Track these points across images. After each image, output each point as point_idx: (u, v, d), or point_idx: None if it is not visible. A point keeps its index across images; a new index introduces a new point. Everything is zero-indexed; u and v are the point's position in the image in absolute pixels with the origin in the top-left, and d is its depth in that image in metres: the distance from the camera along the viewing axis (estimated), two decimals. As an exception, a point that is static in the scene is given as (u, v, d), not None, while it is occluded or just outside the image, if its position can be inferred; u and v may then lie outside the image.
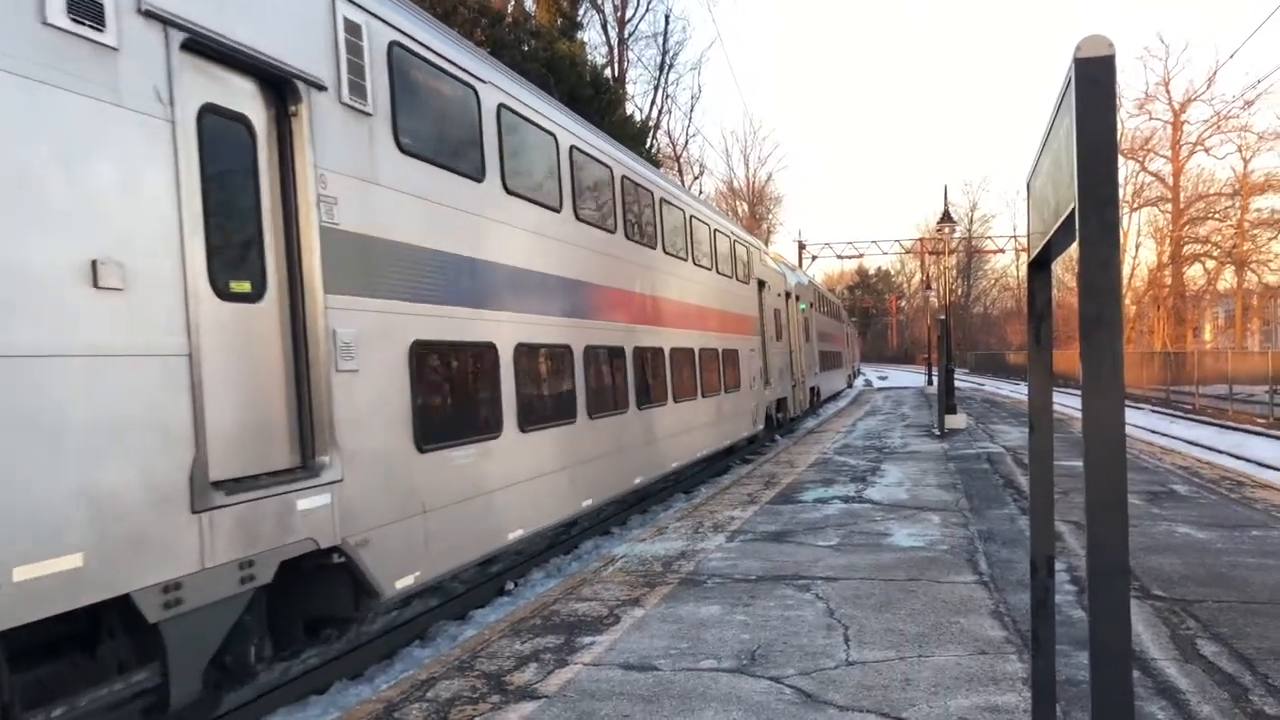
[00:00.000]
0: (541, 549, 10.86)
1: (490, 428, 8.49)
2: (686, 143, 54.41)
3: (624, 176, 12.71)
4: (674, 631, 6.38)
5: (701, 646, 6.04)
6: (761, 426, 21.05)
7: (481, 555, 8.25)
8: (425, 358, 7.44)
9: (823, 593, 7.26)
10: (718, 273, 17.78)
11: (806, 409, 29.43)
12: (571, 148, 10.83)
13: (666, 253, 14.39)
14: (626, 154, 13.26)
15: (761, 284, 21.82)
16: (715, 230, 18.08)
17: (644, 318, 13.13)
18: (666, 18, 55.05)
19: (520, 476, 8.96)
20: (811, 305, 32.12)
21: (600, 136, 12.39)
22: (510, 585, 9.62)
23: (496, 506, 8.45)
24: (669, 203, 14.75)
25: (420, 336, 7.33)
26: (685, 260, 15.49)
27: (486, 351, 8.52)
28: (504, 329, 8.78)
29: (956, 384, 26.89)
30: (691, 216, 16.13)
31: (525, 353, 9.30)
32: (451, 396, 8.03)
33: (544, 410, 9.78)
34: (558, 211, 10.41)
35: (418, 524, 7.16)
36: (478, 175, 8.51)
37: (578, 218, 10.95)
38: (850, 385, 53.24)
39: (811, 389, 30.70)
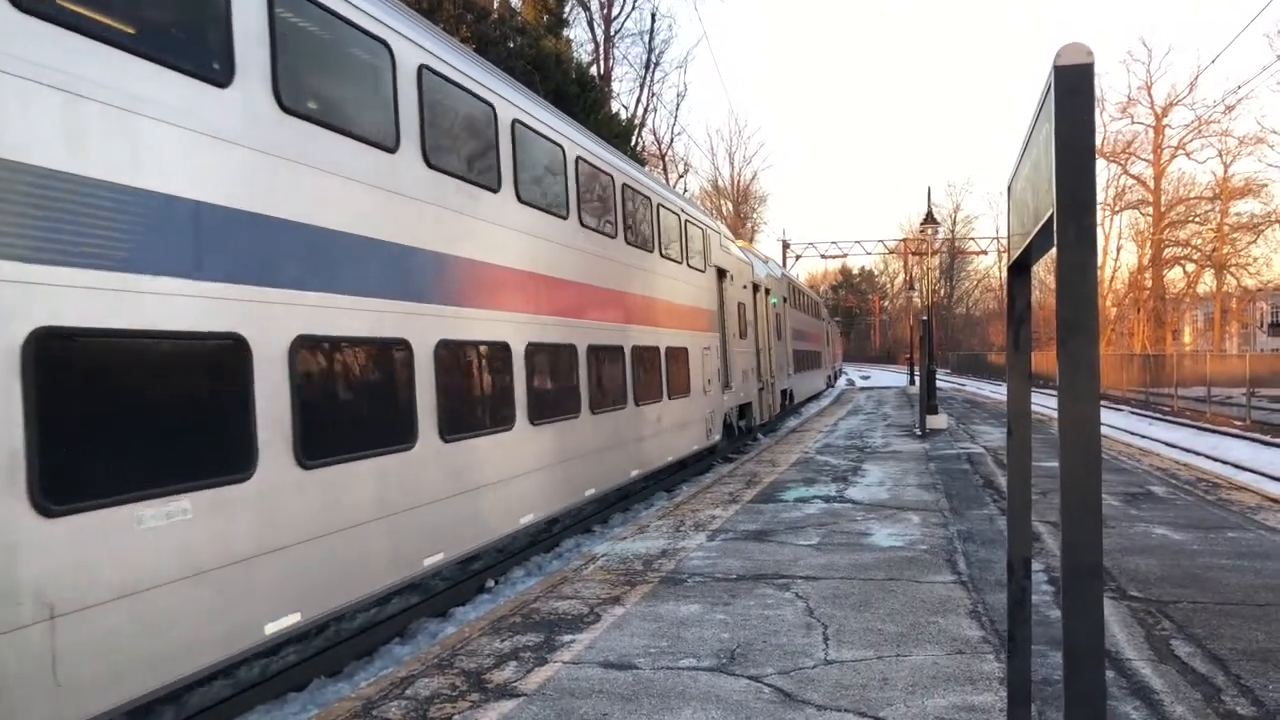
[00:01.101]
0: (523, 546, 10.85)
1: (231, 467, 5.68)
2: (672, 141, 54.47)
3: (515, 120, 9.64)
4: (654, 630, 6.40)
5: (681, 645, 6.05)
6: (719, 437, 18.55)
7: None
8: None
9: (802, 592, 7.29)
10: (661, 256, 14.97)
11: (777, 414, 26.80)
12: (422, 67, 8.01)
13: (586, 227, 11.65)
14: (517, 89, 10.21)
15: (722, 273, 19.39)
16: (660, 205, 15.24)
17: (550, 306, 10.34)
18: (653, 16, 55.22)
19: (306, 535, 6.18)
20: (785, 300, 29.96)
21: (461, 53, 9.26)
22: (491, 583, 9.60)
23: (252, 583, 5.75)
24: (589, 163, 11.96)
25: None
26: (613, 238, 12.81)
27: (226, 352, 5.69)
28: (254, 313, 5.78)
29: (938, 384, 27.22)
30: (624, 185, 13.37)
31: (318, 351, 6.55)
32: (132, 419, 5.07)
33: (355, 434, 6.96)
34: (392, 151, 7.55)
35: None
36: None
37: (430, 165, 8.06)
38: (830, 386, 51.10)
39: (783, 392, 28.32)
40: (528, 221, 9.89)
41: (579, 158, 11.48)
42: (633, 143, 34.67)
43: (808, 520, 10.37)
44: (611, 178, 12.86)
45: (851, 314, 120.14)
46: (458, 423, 8.20)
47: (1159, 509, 10.55)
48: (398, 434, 7.36)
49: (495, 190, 9.28)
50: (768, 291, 25.54)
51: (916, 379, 39.26)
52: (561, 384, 10.73)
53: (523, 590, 8.30)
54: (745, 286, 22.06)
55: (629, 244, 13.49)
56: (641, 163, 34.17)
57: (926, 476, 13.80)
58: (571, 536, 11.89)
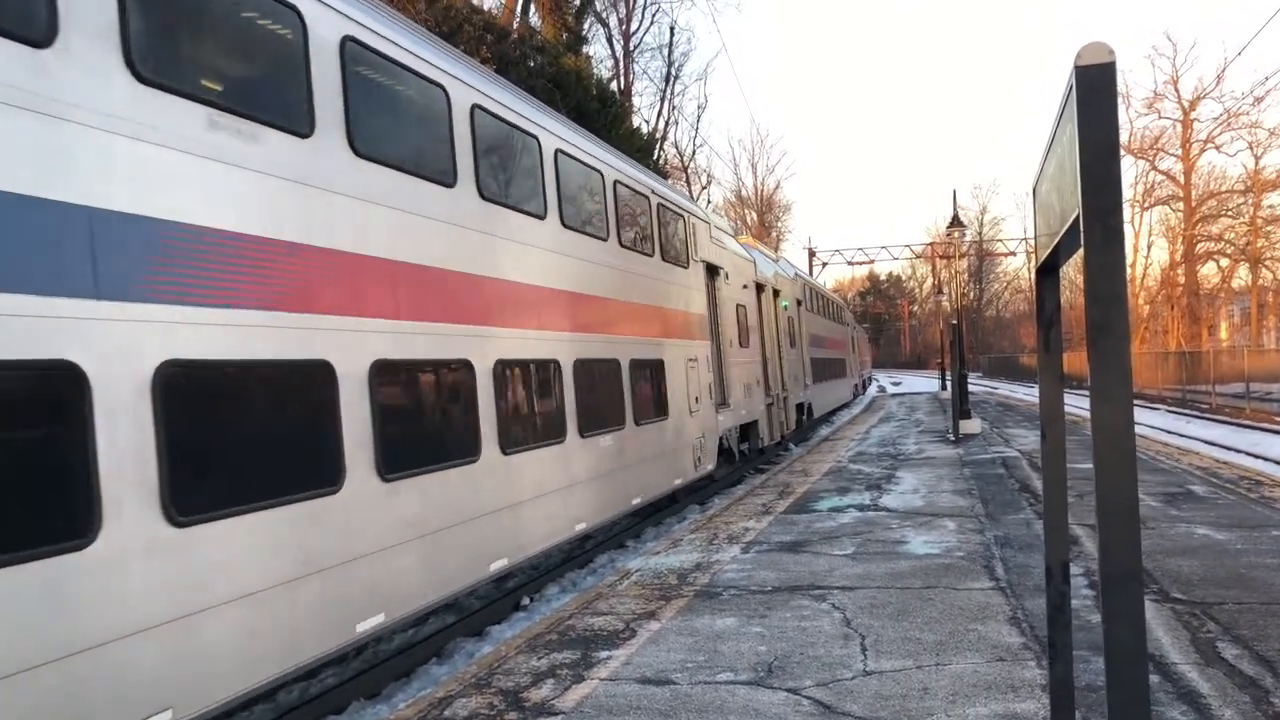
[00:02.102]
0: (557, 563, 10.85)
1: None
2: (694, 153, 54.49)
3: (415, 72, 7.70)
4: (690, 644, 6.37)
5: (718, 659, 6.02)
6: (712, 465, 15.44)
7: None
8: None
9: (839, 602, 7.23)
10: (622, 246, 11.92)
11: (791, 432, 23.38)
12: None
13: (517, 209, 9.18)
14: (426, 39, 8.31)
15: (713, 270, 16.36)
16: (618, 183, 12.08)
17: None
18: (671, 29, 55.11)
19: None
20: (800, 303, 26.93)
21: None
22: (526, 600, 9.61)
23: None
24: (523, 132, 9.45)
25: None
26: (545, 220, 9.83)
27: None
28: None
29: (970, 388, 26.80)
30: (558, 153, 10.19)
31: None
32: None
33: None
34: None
35: None
36: None
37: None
38: (857, 397, 47.00)
39: (799, 406, 24.87)
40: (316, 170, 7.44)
41: (514, 125, 9.32)
42: (655, 156, 34.77)
43: (842, 530, 10.30)
44: (536, 140, 9.76)
45: (880, 320, 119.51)
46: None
47: (1200, 508, 10.38)
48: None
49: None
50: (776, 293, 22.75)
51: (948, 384, 38.74)
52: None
53: (558, 607, 8.29)
54: (746, 286, 19.09)
55: (582, 234, 10.68)
56: (665, 176, 34.22)
57: (961, 482, 13.67)
58: (605, 552, 11.88)
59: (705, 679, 5.66)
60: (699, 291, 15.42)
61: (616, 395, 11.39)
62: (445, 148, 7.97)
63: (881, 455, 18.35)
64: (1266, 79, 67.18)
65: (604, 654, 6.30)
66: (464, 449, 7.84)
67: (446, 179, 7.96)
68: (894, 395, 51.46)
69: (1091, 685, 5.07)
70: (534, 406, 9.42)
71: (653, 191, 13.70)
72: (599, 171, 11.49)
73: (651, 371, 12.69)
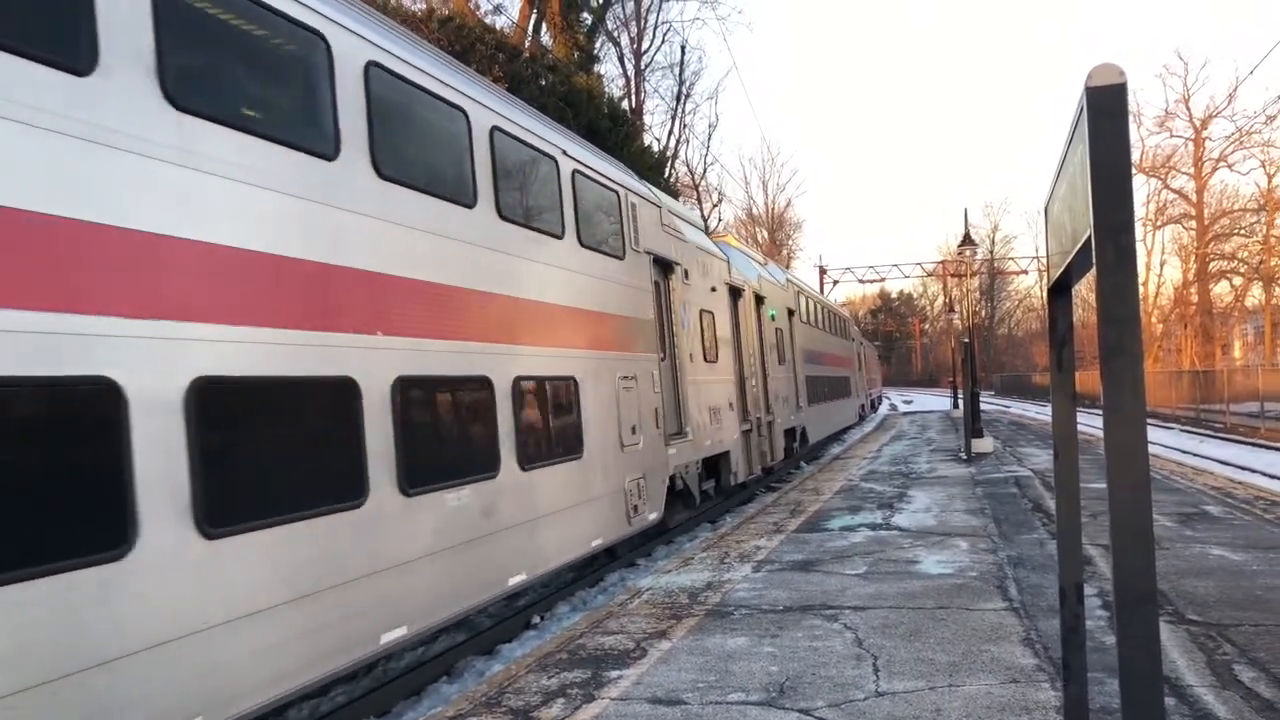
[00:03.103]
0: (568, 581, 10.83)
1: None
2: (705, 171, 54.65)
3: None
4: (701, 664, 6.34)
5: (729, 679, 5.99)
6: (656, 515, 11.93)
7: None
8: None
9: (851, 622, 7.19)
10: (502, 217, 8.58)
11: (779, 462, 19.89)
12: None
13: (386, 178, 6.94)
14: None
15: (666, 266, 13.13)
16: (532, 146, 9.38)
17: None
18: (683, 48, 55.47)
19: None
20: (793, 313, 23.58)
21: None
22: (536, 619, 9.59)
23: None
24: (401, 80, 7.29)
25: None
26: (431, 196, 7.54)
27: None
28: None
29: (982, 407, 26.49)
30: (435, 97, 7.77)
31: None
32: None
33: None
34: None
35: None
36: None
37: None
38: (864, 419, 43.14)
39: (790, 431, 21.53)
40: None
41: (377, 68, 6.98)
42: (666, 175, 34.88)
43: (854, 549, 10.26)
44: (416, 89, 7.58)
45: (892, 338, 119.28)
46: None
47: (1215, 529, 10.30)
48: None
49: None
50: (761, 300, 19.41)
51: (960, 402, 38.25)
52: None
53: (568, 626, 8.27)
54: (716, 290, 15.68)
55: (474, 210, 8.11)
56: (675, 194, 34.31)
57: (974, 501, 13.60)
58: (615, 571, 11.85)
59: (716, 699, 5.63)
60: (641, 291, 11.91)
61: (484, 428, 7.96)
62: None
63: (893, 474, 18.28)
64: (1279, 97, 67.08)
65: (615, 673, 6.28)
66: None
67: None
68: (906, 414, 51.33)
69: (1106, 708, 5.02)
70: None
71: (564, 153, 10.01)
72: (510, 136, 8.81)
73: (553, 393, 9.23)
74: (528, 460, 8.51)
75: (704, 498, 14.55)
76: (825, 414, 28.09)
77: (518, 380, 8.42)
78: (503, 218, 8.56)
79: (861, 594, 8.11)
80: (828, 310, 33.25)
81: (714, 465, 15.10)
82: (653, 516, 11.91)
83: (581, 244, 10.25)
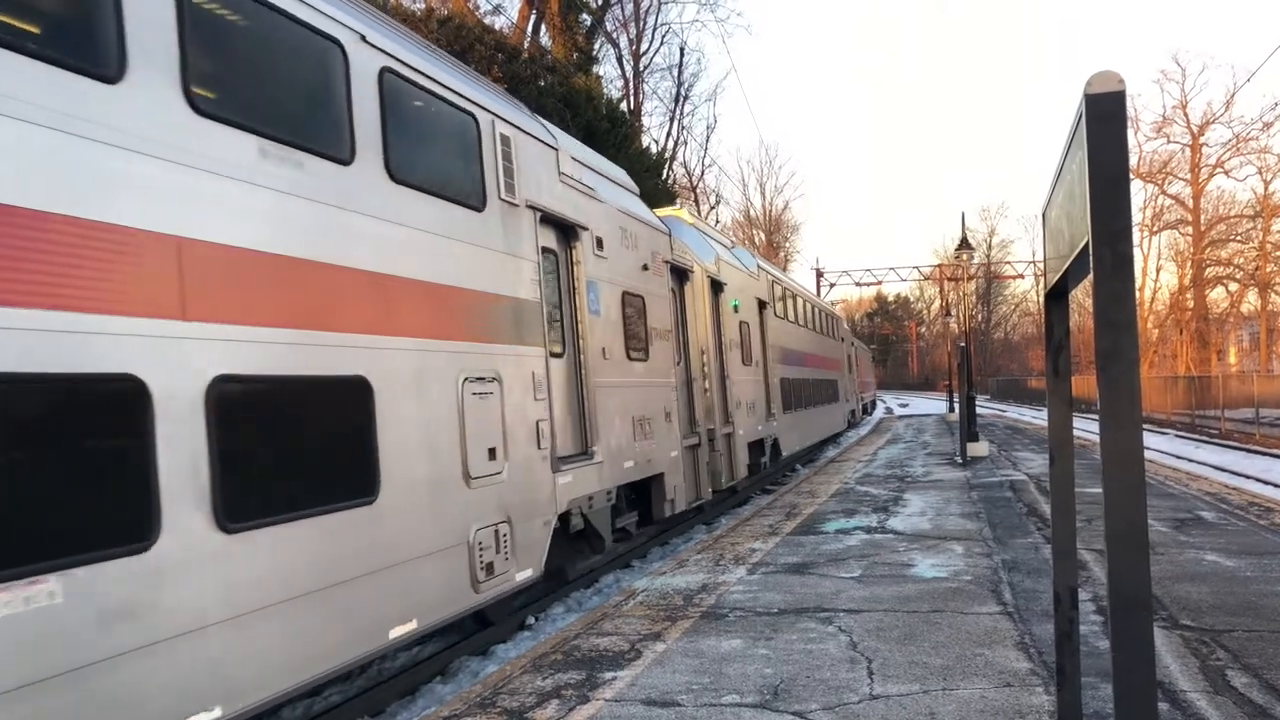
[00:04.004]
0: (564, 582, 10.82)
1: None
2: (703, 173, 54.72)
3: None
4: (696, 666, 6.35)
5: (724, 681, 5.99)
6: (531, 572, 8.55)
7: None
8: None
9: (845, 625, 7.20)
10: (270, 140, 5.82)
11: (742, 480, 16.87)
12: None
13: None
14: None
15: (569, 231, 9.96)
16: (289, 16, 6.16)
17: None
18: (681, 50, 55.37)
19: None
20: (764, 305, 20.21)
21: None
22: (531, 620, 9.58)
23: None
24: None
25: None
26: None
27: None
28: None
29: (978, 411, 26.35)
30: None
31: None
32: None
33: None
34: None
35: None
36: None
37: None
38: (852, 426, 39.48)
39: (757, 444, 18.38)
40: None
41: None
42: (664, 176, 34.89)
43: (849, 552, 10.27)
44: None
45: (888, 341, 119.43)
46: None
47: (1209, 534, 10.32)
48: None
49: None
50: (719, 287, 16.12)
51: (956, 406, 37.99)
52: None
53: (563, 627, 8.27)
54: (648, 268, 12.32)
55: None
56: (673, 196, 34.31)
57: (969, 505, 13.62)
58: (610, 572, 11.84)
59: (711, 701, 5.63)
60: (515, 259, 8.59)
61: (122, 463, 4.73)
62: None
63: (889, 477, 18.30)
64: (1276, 104, 67.25)
65: (609, 675, 6.28)
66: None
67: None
68: (901, 417, 51.37)
69: (1100, 713, 5.03)
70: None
71: (362, 38, 6.80)
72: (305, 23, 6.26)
73: (310, 404, 6.09)
74: (240, 514, 5.27)
75: (623, 535, 11.47)
76: (804, 422, 24.53)
77: (219, 383, 5.17)
78: (198, 111, 5.27)
79: (856, 597, 8.12)
80: (811, 305, 29.12)
81: (637, 497, 11.92)
82: (523, 576, 8.28)
83: (393, 178, 6.93)
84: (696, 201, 49.79)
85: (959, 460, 21.00)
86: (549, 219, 9.40)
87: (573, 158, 10.38)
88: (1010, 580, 8.51)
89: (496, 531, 7.91)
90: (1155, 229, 61.43)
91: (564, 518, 9.34)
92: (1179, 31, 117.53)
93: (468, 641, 8.61)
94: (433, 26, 22.46)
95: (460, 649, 8.44)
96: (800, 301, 26.59)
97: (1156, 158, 59.50)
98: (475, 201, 8.07)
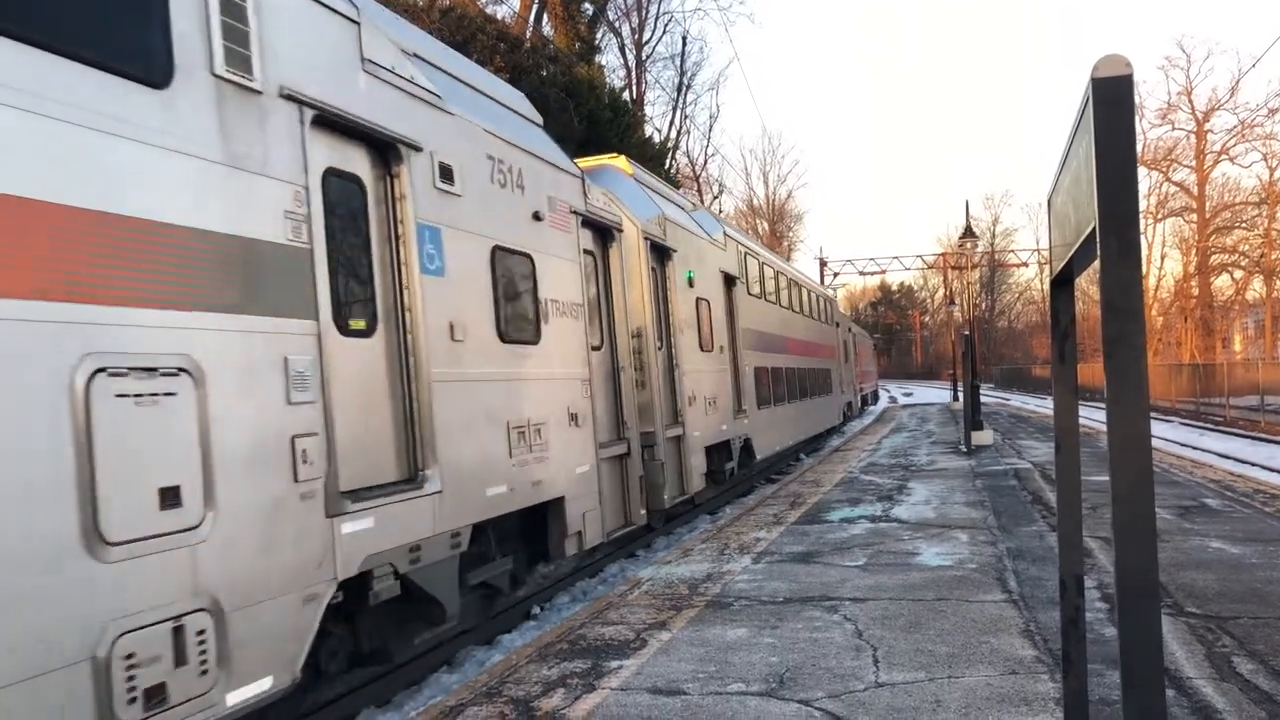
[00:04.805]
0: (567, 573, 10.84)
1: None
2: (705, 162, 54.59)
3: None
4: (701, 655, 6.36)
5: (729, 670, 6.01)
6: (246, 695, 4.99)
7: None
8: None
9: (851, 614, 7.21)
10: None
11: (699, 493, 13.78)
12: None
13: None
14: None
15: (378, 147, 6.70)
16: None
17: None
18: (684, 39, 55.43)
19: None
20: (733, 281, 17.04)
21: None
22: (536, 609, 9.61)
23: None
24: None
25: None
26: None
27: None
28: None
29: (982, 399, 26.12)
30: None
31: None
32: None
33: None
34: None
35: None
36: None
37: None
38: (849, 420, 35.43)
39: (722, 447, 15.25)
40: None
41: None
42: (666, 165, 34.82)
43: (854, 541, 10.27)
44: None
45: (892, 330, 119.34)
46: None
47: (1215, 522, 10.32)
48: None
49: None
50: (666, 254, 13.06)
51: (959, 395, 37.78)
52: None
53: (568, 616, 8.29)
54: (540, 218, 9.08)
55: None
56: (676, 185, 34.24)
57: (973, 493, 13.61)
58: (615, 561, 11.87)
59: (716, 689, 5.65)
60: (254, 177, 5.47)
61: None
62: None
63: (893, 466, 18.30)
64: (1281, 90, 67.05)
65: (615, 663, 6.30)
66: None
67: None
68: (905, 406, 51.35)
69: (1106, 699, 5.04)
70: None
71: None
72: None
73: None
74: None
75: (486, 598, 8.55)
76: (786, 419, 21.16)
77: None
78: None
79: (861, 585, 8.13)
80: (796, 285, 25.28)
81: (541, 521, 9.06)
82: (248, 693, 5.08)
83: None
84: (700, 191, 49.71)
85: (963, 448, 20.99)
86: (340, 124, 6.19)
87: (395, 43, 7.03)
88: (1015, 568, 8.51)
89: (178, 630, 4.62)
90: (1160, 216, 61.27)
91: (360, 582, 6.07)
92: (1183, 17, 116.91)
93: (473, 631, 8.63)
94: (435, 17, 22.41)
95: (466, 639, 8.47)
96: (783, 279, 22.97)
97: (1161, 144, 59.32)
98: (150, 70, 4.81)
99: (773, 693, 5.54)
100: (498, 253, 8.16)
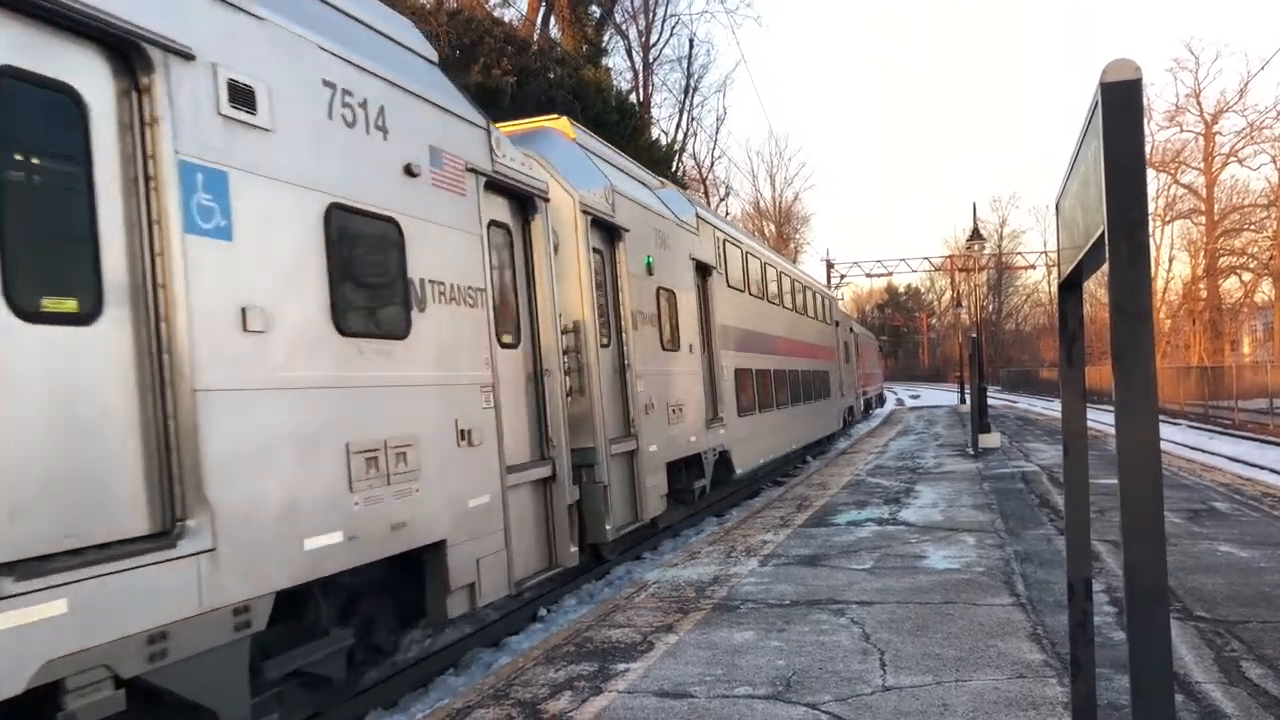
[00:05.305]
0: (572, 575, 10.85)
1: None
2: (712, 165, 54.62)
3: None
4: (708, 658, 6.35)
5: (736, 673, 6.00)
6: None
7: None
8: None
9: (858, 617, 7.20)
10: None
11: (659, 515, 12.01)
12: None
13: None
14: None
15: (138, 51, 4.63)
16: None
17: None
18: (691, 42, 55.08)
19: None
20: (710, 271, 15.02)
21: None
22: (543, 612, 9.61)
23: None
24: None
25: None
26: None
27: None
28: None
29: (989, 402, 26.02)
30: None
31: None
32: None
33: None
34: None
35: None
36: None
37: None
38: (851, 424, 33.29)
39: (695, 460, 13.35)
40: None
41: None
42: (673, 168, 34.84)
43: (861, 544, 10.26)
44: None
45: (899, 332, 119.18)
46: None
47: (1223, 525, 10.28)
48: None
49: None
50: (611, 232, 11.02)
51: (967, 397, 37.57)
52: None
53: (575, 619, 8.29)
54: (414, 172, 6.90)
55: None
56: (683, 186, 34.27)
57: (980, 496, 13.59)
58: (621, 564, 11.86)
59: (723, 692, 5.64)
60: None
61: None
62: None
63: (900, 469, 18.26)
64: (1290, 92, 66.79)
65: (622, 666, 6.29)
66: None
67: None
68: (912, 409, 51.31)
69: (1114, 704, 5.02)
70: None
71: None
72: None
73: None
74: None
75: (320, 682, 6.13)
76: (774, 427, 19.02)
77: None
78: None
79: (868, 588, 8.12)
80: (788, 278, 22.97)
81: (415, 577, 6.93)
82: None
83: None
84: (706, 193, 49.71)
85: (970, 451, 20.95)
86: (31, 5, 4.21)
87: None
88: (1023, 571, 8.49)
89: None
90: (1168, 219, 61.01)
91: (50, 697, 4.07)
92: (1192, 19, 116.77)
93: (480, 633, 8.64)
94: (442, 19, 22.46)
95: (473, 640, 8.48)
96: (772, 272, 20.81)
97: (1169, 147, 59.03)
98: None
99: (780, 696, 5.53)
100: (337, 213, 6.03)
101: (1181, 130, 58.66)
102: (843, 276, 64.15)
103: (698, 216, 15.06)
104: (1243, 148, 57.21)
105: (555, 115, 12.37)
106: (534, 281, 8.94)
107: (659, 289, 12.49)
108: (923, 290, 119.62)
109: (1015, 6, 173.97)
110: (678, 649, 6.61)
